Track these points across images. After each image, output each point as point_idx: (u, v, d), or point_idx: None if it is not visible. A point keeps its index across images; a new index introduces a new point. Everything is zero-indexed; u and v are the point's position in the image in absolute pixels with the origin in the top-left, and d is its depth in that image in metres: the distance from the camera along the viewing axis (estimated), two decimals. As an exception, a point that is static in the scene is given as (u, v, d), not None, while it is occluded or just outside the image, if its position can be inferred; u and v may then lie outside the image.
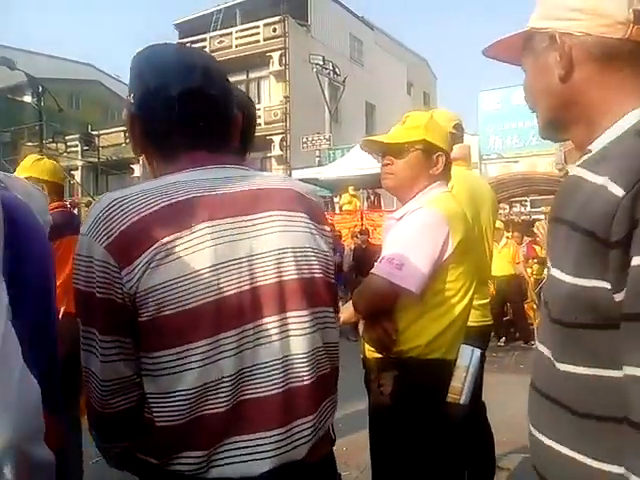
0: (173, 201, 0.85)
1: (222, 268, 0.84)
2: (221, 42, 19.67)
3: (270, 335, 0.88)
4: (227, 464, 0.84)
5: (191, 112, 0.93)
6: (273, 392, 0.86)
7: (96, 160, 19.91)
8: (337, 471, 1.01)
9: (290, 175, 12.52)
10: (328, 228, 1.03)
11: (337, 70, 17.99)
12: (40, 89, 14.50)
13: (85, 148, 20.56)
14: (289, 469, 0.87)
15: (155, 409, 0.84)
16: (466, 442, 1.92)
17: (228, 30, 19.73)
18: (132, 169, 20.92)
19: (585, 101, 0.77)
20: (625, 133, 0.72)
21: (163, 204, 0.84)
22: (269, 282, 0.89)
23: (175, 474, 0.84)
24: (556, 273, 0.71)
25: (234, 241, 0.87)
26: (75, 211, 18.84)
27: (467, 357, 1.62)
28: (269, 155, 18.86)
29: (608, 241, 0.64)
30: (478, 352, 1.64)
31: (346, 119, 20.25)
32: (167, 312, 0.81)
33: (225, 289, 0.84)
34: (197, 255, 0.83)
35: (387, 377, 1.57)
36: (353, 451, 3.04)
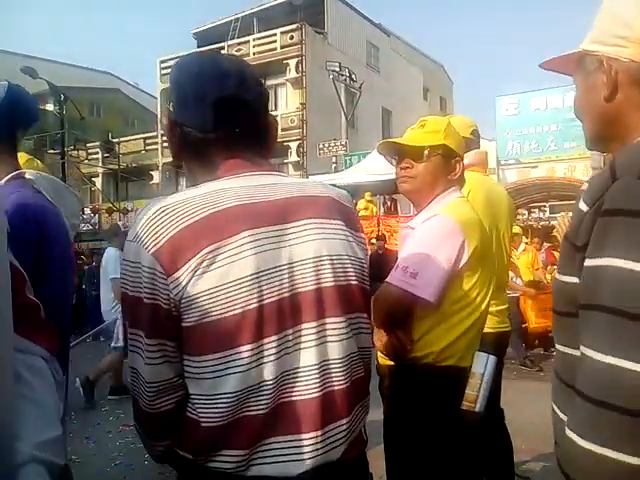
0: (216, 209, 0.87)
1: (263, 275, 0.87)
2: (239, 50, 19.86)
3: (309, 340, 0.90)
4: (266, 463, 0.87)
5: (227, 119, 0.94)
6: (311, 396, 0.89)
7: (116, 167, 20.19)
8: (369, 471, 1.04)
9: (307, 181, 12.50)
10: (363, 235, 1.05)
11: (353, 76, 18.03)
12: (62, 97, 14.78)
13: (106, 155, 20.91)
14: (325, 469, 0.90)
15: (199, 410, 0.87)
16: (484, 449, 1.91)
17: (246, 38, 19.94)
18: (151, 175, 21.22)
19: (623, 121, 0.85)
20: None
21: (207, 212, 0.87)
22: (308, 289, 0.91)
23: (216, 471, 0.88)
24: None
25: (275, 249, 0.89)
26: (96, 217, 19.16)
27: (482, 364, 1.61)
28: (286, 161, 18.97)
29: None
30: (493, 359, 1.63)
31: (362, 125, 20.28)
32: (211, 318, 0.84)
33: (266, 296, 0.87)
34: (240, 263, 0.85)
35: (401, 384, 1.58)
36: (370, 459, 3.03)
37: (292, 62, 19.03)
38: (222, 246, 0.85)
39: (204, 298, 0.84)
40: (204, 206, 0.87)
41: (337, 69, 17.51)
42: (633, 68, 0.83)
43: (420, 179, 1.65)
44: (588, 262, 0.75)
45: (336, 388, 0.92)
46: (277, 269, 0.89)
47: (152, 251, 0.84)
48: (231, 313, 0.84)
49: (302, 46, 18.84)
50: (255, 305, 0.85)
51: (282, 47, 19.24)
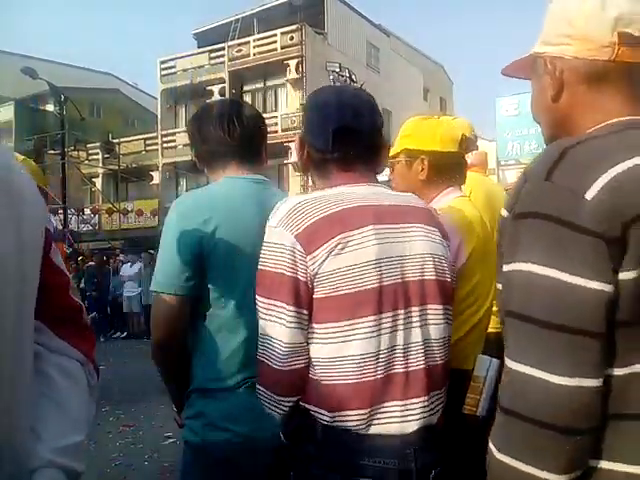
0: (347, 206, 1.08)
1: (382, 263, 1.06)
2: (239, 51, 19.88)
3: (415, 321, 1.09)
4: (383, 423, 1.05)
5: (342, 143, 1.16)
6: (418, 367, 1.08)
7: (116, 167, 20.21)
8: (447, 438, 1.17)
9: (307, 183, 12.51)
10: (448, 242, 1.23)
11: (354, 77, 18.06)
12: (62, 98, 14.80)
13: (106, 156, 20.91)
14: (428, 431, 1.09)
15: (319, 372, 1.06)
16: (485, 453, 1.89)
17: (246, 39, 19.93)
18: (151, 176, 21.20)
19: (574, 121, 0.85)
20: None
21: (339, 208, 1.08)
22: (416, 278, 1.10)
23: (340, 429, 1.04)
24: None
25: (392, 243, 1.09)
26: (95, 218, 19.17)
27: (484, 367, 1.59)
28: (286, 162, 18.96)
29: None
30: (496, 362, 1.61)
31: (363, 126, 20.25)
32: (341, 292, 1.03)
33: (385, 279, 1.06)
34: (365, 250, 1.05)
35: None
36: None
37: (292, 63, 19.02)
38: (351, 235, 1.05)
39: (335, 275, 1.03)
40: (335, 203, 1.08)
41: (337, 70, 17.54)
42: (578, 65, 0.82)
43: (397, 189, 1.61)
44: (504, 267, 0.75)
45: (435, 363, 1.11)
46: (394, 259, 1.08)
47: (295, 234, 1.05)
48: (357, 289, 1.03)
49: (302, 47, 18.84)
50: (376, 285, 1.04)
51: (282, 48, 19.24)
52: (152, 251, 10.06)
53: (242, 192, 1.42)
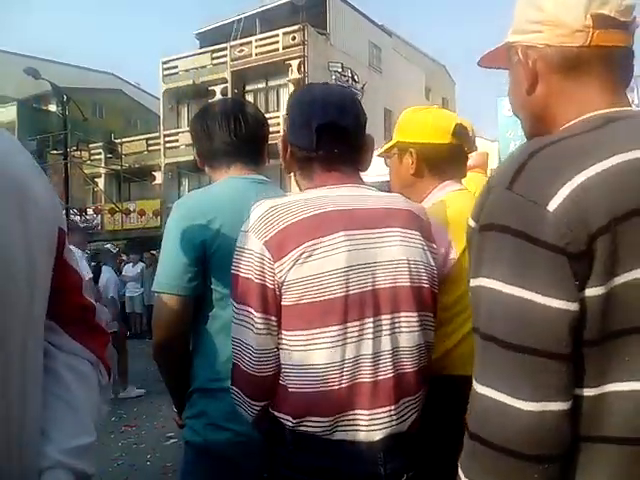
0: (317, 212, 1.06)
1: (352, 271, 1.04)
2: (241, 51, 19.89)
3: (385, 329, 1.06)
4: (349, 431, 1.04)
5: (327, 142, 1.12)
6: (386, 376, 1.06)
7: (119, 168, 20.23)
8: (421, 443, 1.17)
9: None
10: (435, 245, 1.20)
11: (356, 77, 18.06)
12: (65, 98, 14.83)
13: (108, 156, 20.94)
14: (397, 438, 1.07)
15: (287, 379, 1.05)
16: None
17: (248, 39, 19.94)
18: (154, 176, 21.23)
19: (551, 113, 0.78)
20: None
21: (310, 214, 1.05)
22: (387, 286, 1.07)
23: (304, 434, 1.04)
24: None
25: (363, 249, 1.06)
26: (98, 218, 19.19)
27: None
28: (288, 162, 18.97)
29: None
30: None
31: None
32: (306, 300, 1.02)
33: (352, 288, 1.03)
34: (333, 257, 1.03)
35: None
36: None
37: (294, 63, 19.03)
38: (320, 242, 1.03)
39: (302, 283, 1.01)
40: (308, 208, 1.06)
41: (339, 70, 17.54)
42: (550, 54, 0.75)
43: (392, 184, 1.60)
44: (471, 282, 0.70)
45: (406, 371, 1.08)
46: (363, 266, 1.05)
47: (263, 241, 1.03)
48: (322, 298, 1.01)
49: (304, 47, 18.84)
50: (342, 294, 1.02)
51: (284, 48, 19.24)
52: (154, 252, 10.07)
53: (245, 193, 1.40)
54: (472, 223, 0.72)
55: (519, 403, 0.61)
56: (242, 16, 20.97)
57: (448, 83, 29.60)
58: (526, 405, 0.61)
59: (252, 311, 1.04)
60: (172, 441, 4.24)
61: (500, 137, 17.80)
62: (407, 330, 1.09)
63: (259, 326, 1.04)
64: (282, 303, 1.03)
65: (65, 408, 0.76)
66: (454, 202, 1.45)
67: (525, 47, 0.77)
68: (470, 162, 1.84)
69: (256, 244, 1.04)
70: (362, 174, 1.23)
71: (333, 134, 1.12)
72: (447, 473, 1.38)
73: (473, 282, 0.70)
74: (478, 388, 0.66)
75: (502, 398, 0.62)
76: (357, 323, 1.04)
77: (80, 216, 17.09)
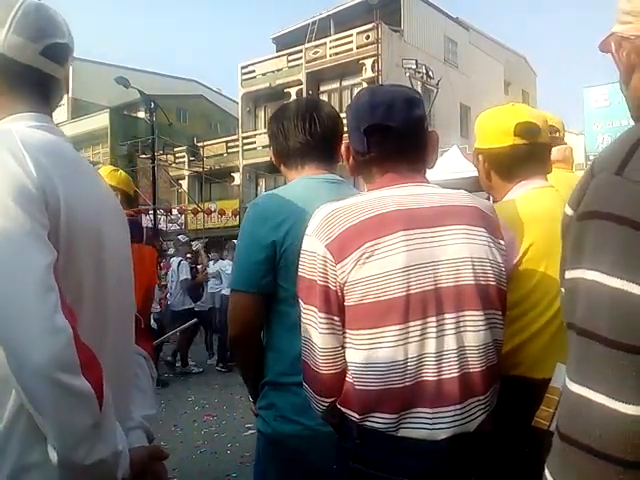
0: (377, 213, 1.08)
1: (412, 270, 1.05)
2: (316, 52, 20.11)
3: (449, 329, 1.07)
4: (413, 428, 1.06)
5: (376, 143, 1.15)
6: (451, 375, 1.06)
7: (201, 169, 21.07)
8: (493, 444, 1.15)
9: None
10: (503, 242, 1.18)
11: (430, 73, 17.67)
12: (152, 105, 15.60)
13: (191, 159, 21.82)
14: (462, 438, 1.07)
15: (354, 376, 1.08)
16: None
17: (322, 40, 20.12)
18: (233, 177, 21.96)
19: None
20: None
21: (370, 215, 1.08)
22: (449, 285, 1.08)
23: (370, 429, 1.07)
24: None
25: (423, 248, 1.07)
26: (182, 217, 20.09)
27: (562, 378, 1.32)
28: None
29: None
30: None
31: (440, 122, 19.81)
32: (368, 300, 1.04)
33: (413, 287, 1.05)
34: (394, 257, 1.05)
35: None
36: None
37: (368, 62, 18.97)
38: (380, 242, 1.05)
39: (363, 284, 1.04)
40: (367, 209, 1.09)
41: (413, 66, 17.23)
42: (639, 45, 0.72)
43: (481, 182, 1.63)
44: (567, 274, 0.65)
45: (472, 371, 1.08)
46: (424, 265, 1.06)
47: (325, 243, 1.07)
48: (383, 298, 1.04)
49: (378, 45, 18.73)
50: (404, 293, 1.04)
51: (358, 47, 19.22)
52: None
53: (317, 194, 1.41)
54: (569, 211, 0.68)
55: (620, 405, 0.56)
56: (316, 18, 21.19)
57: (529, 75, 28.25)
58: (628, 408, 0.56)
59: (316, 311, 1.09)
60: (250, 432, 4.36)
61: (586, 130, 16.77)
62: (473, 329, 1.08)
63: (323, 326, 1.08)
64: (345, 303, 1.06)
65: (138, 391, 1.08)
66: (525, 200, 1.45)
67: (620, 38, 0.75)
68: (552, 157, 1.75)
69: (319, 247, 1.08)
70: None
71: (381, 135, 1.14)
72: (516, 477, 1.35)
73: (570, 274, 0.64)
74: (572, 387, 0.61)
75: (603, 400, 0.57)
76: (419, 322, 1.05)
77: (165, 216, 17.99)
